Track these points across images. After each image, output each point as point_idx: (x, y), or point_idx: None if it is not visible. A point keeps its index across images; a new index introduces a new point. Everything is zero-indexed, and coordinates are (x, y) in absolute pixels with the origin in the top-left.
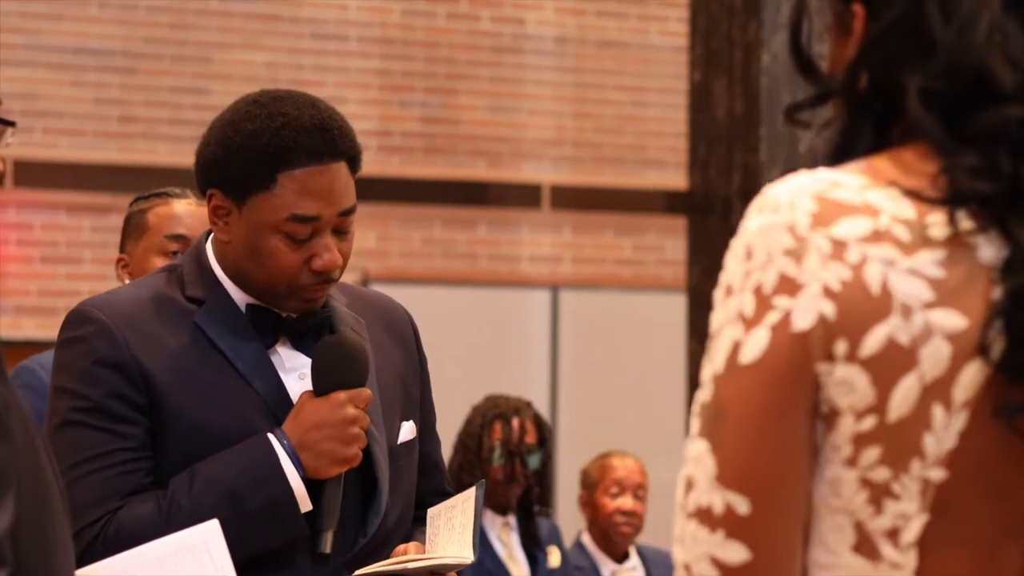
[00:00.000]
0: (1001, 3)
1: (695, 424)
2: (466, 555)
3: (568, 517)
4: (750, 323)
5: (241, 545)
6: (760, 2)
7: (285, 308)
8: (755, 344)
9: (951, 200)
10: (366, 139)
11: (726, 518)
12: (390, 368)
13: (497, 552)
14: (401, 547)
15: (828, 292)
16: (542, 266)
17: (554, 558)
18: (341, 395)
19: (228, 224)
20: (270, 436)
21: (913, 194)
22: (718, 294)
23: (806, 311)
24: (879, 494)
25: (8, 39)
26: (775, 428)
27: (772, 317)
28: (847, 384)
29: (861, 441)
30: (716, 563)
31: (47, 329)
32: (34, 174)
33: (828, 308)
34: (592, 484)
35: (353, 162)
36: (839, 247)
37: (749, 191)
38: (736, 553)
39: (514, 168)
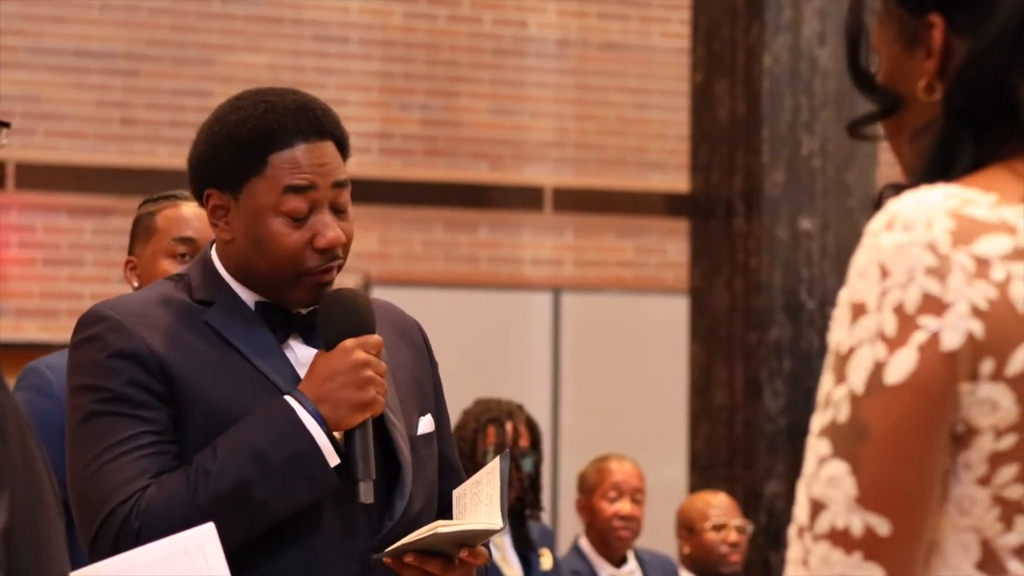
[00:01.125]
0: None
1: (825, 445)
2: (495, 522)
3: (570, 520)
4: (894, 343)
5: (274, 503)
6: (762, 4)
7: (294, 301)
8: (902, 364)
9: None
10: (367, 141)
11: (865, 540)
12: (403, 367)
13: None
14: (429, 525)
15: (976, 311)
16: (544, 268)
17: (546, 560)
18: (349, 342)
19: (228, 222)
20: (287, 396)
21: None
22: (841, 313)
23: (955, 330)
24: (1011, 511)
25: (9, 41)
26: (920, 449)
27: (919, 337)
28: (991, 403)
29: (998, 459)
30: None
31: (49, 331)
32: (36, 176)
33: (976, 327)
34: (589, 488)
35: (340, 144)
36: (983, 265)
37: (751, 193)
38: (871, 574)
39: (516, 170)
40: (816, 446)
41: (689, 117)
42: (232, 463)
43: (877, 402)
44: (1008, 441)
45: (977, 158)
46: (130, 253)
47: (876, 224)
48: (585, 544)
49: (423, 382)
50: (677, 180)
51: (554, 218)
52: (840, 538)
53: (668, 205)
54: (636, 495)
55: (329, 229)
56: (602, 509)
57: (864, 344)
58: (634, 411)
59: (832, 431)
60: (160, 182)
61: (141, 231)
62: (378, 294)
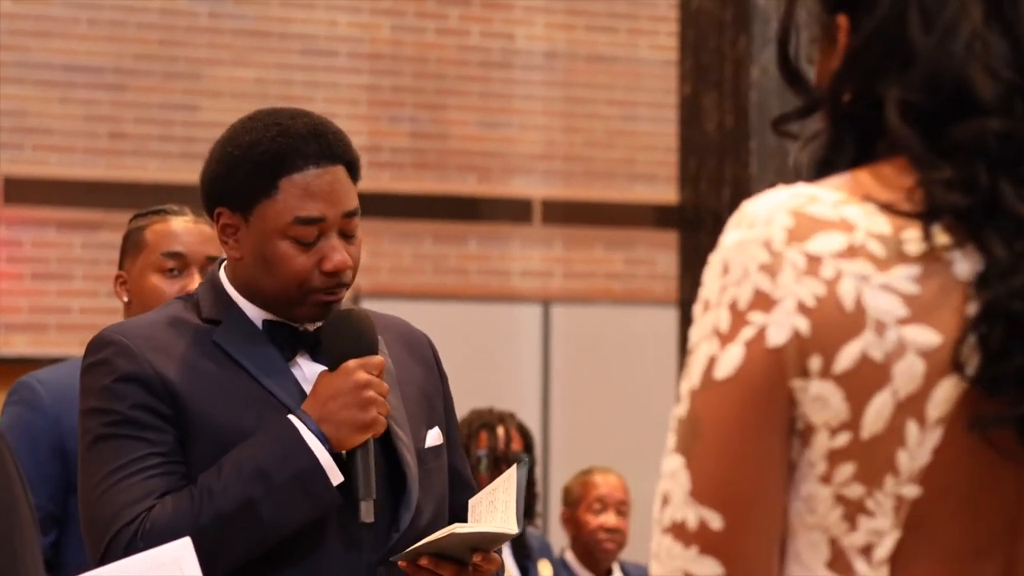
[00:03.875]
0: (983, 13)
1: (671, 439)
2: (510, 527)
3: (559, 533)
4: (725, 338)
5: (277, 522)
6: (750, 16)
7: (300, 319)
8: (730, 360)
9: (926, 214)
10: None
11: (700, 534)
12: (411, 382)
13: None
14: (446, 528)
15: (802, 308)
16: (533, 281)
17: (545, 571)
18: (351, 363)
19: (238, 241)
20: (290, 416)
21: (888, 208)
22: (696, 309)
23: (780, 327)
24: (853, 511)
25: None
26: (750, 444)
27: (747, 333)
28: (821, 400)
29: (835, 457)
30: None
31: (38, 346)
32: (24, 191)
33: (802, 324)
34: (574, 501)
35: (351, 168)
36: (814, 262)
37: (739, 205)
38: (709, 568)
39: (504, 183)
40: (668, 441)
41: (677, 129)
42: (236, 482)
43: (707, 397)
44: (842, 439)
45: (860, 160)
46: (120, 268)
47: (729, 222)
48: (570, 557)
49: (432, 396)
50: (666, 192)
51: (543, 230)
52: (679, 531)
53: (657, 217)
54: (621, 507)
55: (336, 253)
56: (587, 521)
57: (704, 340)
58: (624, 423)
59: (677, 426)
60: (148, 196)
61: (130, 246)
62: (367, 307)
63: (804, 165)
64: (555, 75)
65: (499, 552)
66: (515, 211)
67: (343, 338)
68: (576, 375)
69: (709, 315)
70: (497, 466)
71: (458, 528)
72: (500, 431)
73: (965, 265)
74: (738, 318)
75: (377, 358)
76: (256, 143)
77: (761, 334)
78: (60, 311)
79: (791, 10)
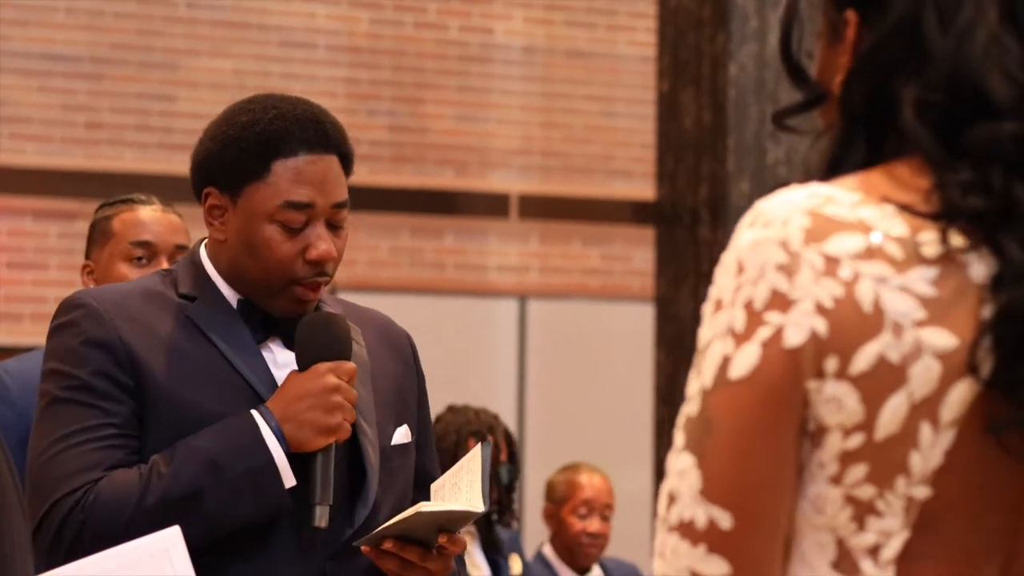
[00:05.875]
0: (999, 16)
1: (680, 438)
2: (476, 505)
3: (535, 527)
4: (741, 338)
5: (222, 515)
6: (728, 13)
7: (276, 309)
8: (745, 359)
9: (943, 216)
10: None
11: (708, 533)
12: (385, 376)
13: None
14: (411, 508)
15: (820, 308)
16: (509, 275)
17: (516, 566)
18: (322, 366)
19: (224, 223)
20: (253, 411)
21: (906, 210)
22: (707, 308)
23: (798, 327)
24: (863, 511)
25: None
26: (763, 444)
27: (763, 333)
28: (836, 401)
29: (848, 459)
30: None
31: (13, 335)
32: (0, 180)
33: (820, 325)
34: (558, 500)
35: (345, 160)
36: (832, 263)
37: (716, 201)
38: (717, 568)
39: (481, 177)
40: (675, 439)
41: (655, 125)
42: (186, 469)
43: (722, 396)
44: (856, 440)
45: (869, 159)
46: (87, 257)
47: (743, 221)
48: (549, 552)
49: (406, 394)
50: (643, 188)
51: (520, 225)
52: (687, 530)
53: (634, 213)
54: (605, 511)
55: (322, 242)
56: (571, 524)
57: (717, 339)
58: (600, 419)
59: (686, 424)
60: (125, 186)
61: (98, 235)
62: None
63: (812, 164)
64: (533, 70)
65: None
66: (492, 205)
67: (317, 339)
68: (552, 370)
69: (722, 314)
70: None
71: (424, 507)
72: (490, 441)
73: (980, 268)
74: (754, 318)
75: (349, 364)
76: (252, 123)
77: (778, 334)
78: (35, 300)
79: (794, 3)
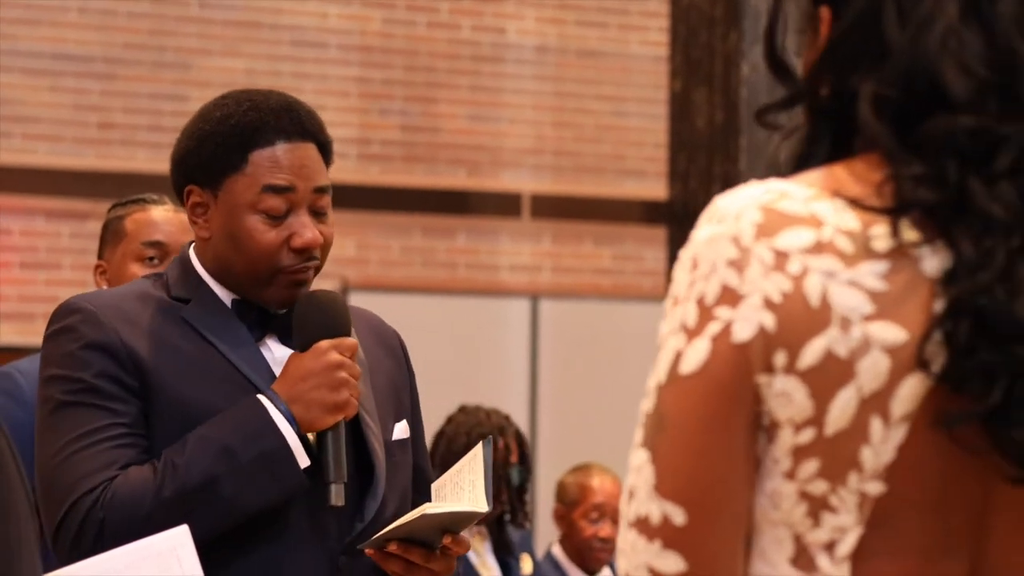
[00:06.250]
0: (959, 10)
1: (638, 434)
2: (480, 505)
3: (546, 526)
4: (692, 333)
5: (240, 501)
6: (740, 12)
7: (269, 299)
8: (696, 355)
9: (894, 210)
10: (345, 147)
11: (663, 528)
12: (381, 373)
13: (469, 559)
14: (416, 509)
15: (769, 303)
16: (521, 275)
17: (527, 566)
18: (324, 344)
19: (207, 220)
20: (259, 395)
21: (856, 203)
22: (667, 304)
23: (746, 322)
24: (817, 507)
25: None
26: (714, 439)
27: (713, 328)
28: (786, 396)
29: (800, 454)
30: (653, 573)
31: (26, 335)
32: (12, 180)
33: (768, 319)
34: (570, 502)
35: (323, 148)
36: (781, 258)
37: None
38: (672, 563)
39: (494, 177)
40: (635, 435)
41: (667, 125)
42: (200, 458)
43: (673, 392)
44: (807, 435)
45: (836, 154)
46: (100, 257)
47: (701, 217)
48: (559, 552)
49: (400, 390)
50: (655, 188)
51: (532, 225)
52: (643, 526)
53: (646, 213)
54: (617, 515)
55: (307, 229)
56: (582, 528)
57: (671, 335)
58: (611, 418)
59: (644, 420)
60: (137, 186)
61: (110, 235)
62: (356, 300)
63: (784, 159)
64: (545, 69)
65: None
66: (504, 205)
67: (315, 319)
68: (564, 370)
69: (677, 310)
70: (497, 480)
71: (429, 508)
72: (500, 443)
73: (934, 262)
74: (705, 313)
75: (350, 340)
76: (227, 117)
77: (727, 329)
78: (48, 300)
79: (779, 2)
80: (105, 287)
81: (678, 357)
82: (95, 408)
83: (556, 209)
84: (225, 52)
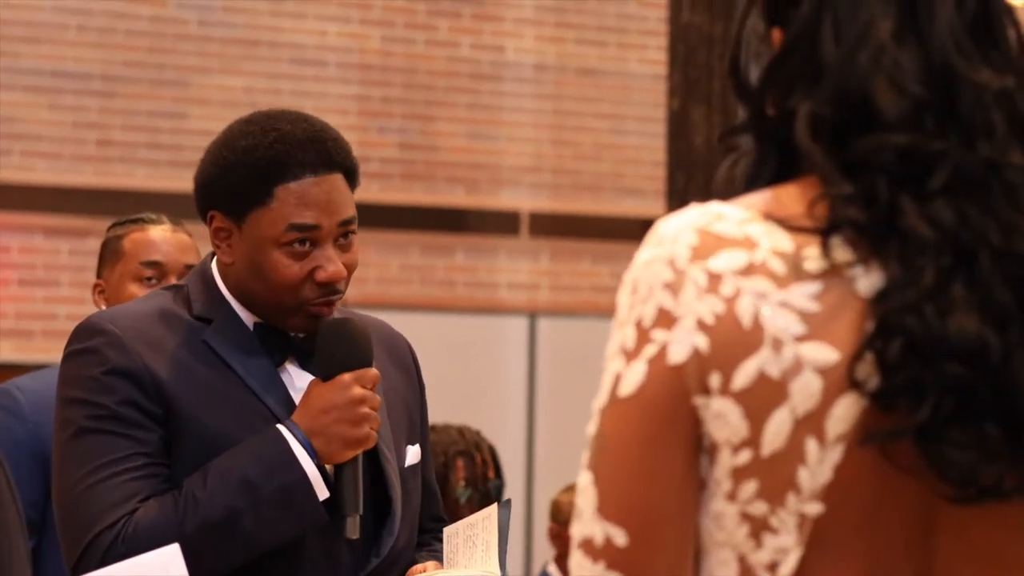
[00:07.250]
0: (895, 28)
1: (584, 455)
2: (493, 571)
3: (544, 544)
4: (630, 356)
5: (260, 535)
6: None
7: (292, 327)
8: (633, 377)
9: (824, 230)
10: None
11: (606, 550)
12: (394, 392)
13: None
14: (419, 566)
15: (702, 325)
16: (520, 293)
17: None
18: (346, 377)
19: (230, 246)
20: (280, 427)
21: (784, 224)
22: (612, 327)
23: (680, 344)
24: (758, 528)
25: None
26: (652, 461)
27: (649, 350)
28: (722, 418)
29: (739, 475)
30: None
31: (24, 352)
32: (11, 197)
33: (702, 341)
34: (565, 521)
35: (350, 174)
36: (714, 280)
37: None
38: None
39: (492, 195)
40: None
41: (665, 143)
42: (222, 491)
43: (613, 414)
44: (744, 457)
45: (782, 175)
46: (98, 276)
47: (644, 241)
48: (554, 571)
49: (412, 408)
50: (653, 206)
51: (530, 243)
52: (588, 547)
53: (644, 231)
54: None
55: (331, 263)
56: None
57: (613, 357)
58: None
59: (589, 442)
60: (136, 204)
61: (108, 254)
62: None
63: (736, 181)
64: (544, 88)
65: None
66: (503, 223)
67: (338, 348)
68: (562, 388)
69: (618, 333)
70: (475, 495)
71: (440, 575)
72: (478, 458)
73: (867, 281)
74: (643, 336)
75: (373, 371)
76: (252, 148)
77: (663, 351)
78: (46, 317)
79: (742, 24)
80: (103, 307)
81: (617, 380)
82: (117, 436)
83: (554, 227)
84: (224, 70)
